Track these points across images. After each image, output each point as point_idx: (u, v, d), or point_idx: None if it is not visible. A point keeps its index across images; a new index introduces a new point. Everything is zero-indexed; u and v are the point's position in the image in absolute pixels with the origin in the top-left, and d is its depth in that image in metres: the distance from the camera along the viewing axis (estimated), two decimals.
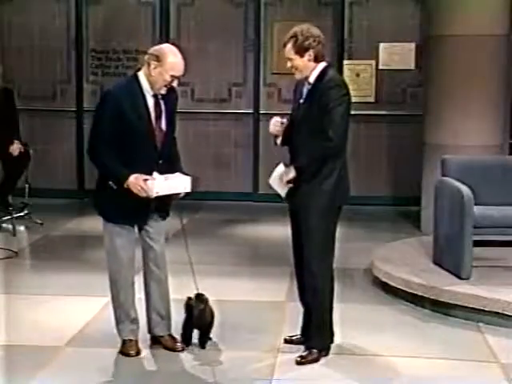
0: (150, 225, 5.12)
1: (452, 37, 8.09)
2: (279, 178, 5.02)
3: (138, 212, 5.02)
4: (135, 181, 4.83)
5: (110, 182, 4.94)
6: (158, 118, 4.97)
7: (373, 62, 10.11)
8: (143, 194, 4.84)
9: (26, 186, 8.87)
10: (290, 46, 4.97)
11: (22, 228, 8.70)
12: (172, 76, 4.88)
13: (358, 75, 10.02)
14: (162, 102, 4.99)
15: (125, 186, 4.85)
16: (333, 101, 4.85)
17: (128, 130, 4.86)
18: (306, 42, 4.93)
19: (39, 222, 8.81)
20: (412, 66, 10.05)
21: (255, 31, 10.30)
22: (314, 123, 4.89)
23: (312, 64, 4.97)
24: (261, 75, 10.34)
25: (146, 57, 4.95)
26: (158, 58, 4.87)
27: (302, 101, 5.02)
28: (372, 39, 10.07)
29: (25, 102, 10.18)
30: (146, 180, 4.83)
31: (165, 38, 10.24)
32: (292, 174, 4.92)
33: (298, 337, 5.32)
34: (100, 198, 5.11)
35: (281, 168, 5.03)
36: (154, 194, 4.86)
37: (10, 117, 8.92)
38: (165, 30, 10.30)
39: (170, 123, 5.06)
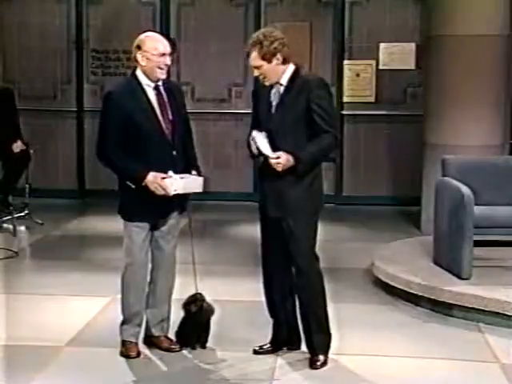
0: (165, 224, 5.10)
1: (452, 37, 8.09)
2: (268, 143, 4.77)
3: (159, 209, 4.99)
4: (153, 179, 4.83)
5: (128, 182, 4.93)
6: (163, 109, 4.97)
7: (373, 62, 10.10)
8: (161, 193, 4.83)
9: (27, 186, 8.87)
10: (255, 54, 4.77)
11: (22, 228, 8.69)
12: (160, 54, 4.90)
13: (358, 75, 10.02)
14: (164, 94, 4.99)
15: (142, 184, 4.84)
16: (325, 98, 4.79)
17: (135, 125, 4.87)
18: (272, 46, 4.76)
19: (39, 222, 8.81)
20: (412, 66, 10.04)
21: (255, 31, 10.25)
22: (301, 122, 4.79)
23: (281, 67, 4.80)
24: None
25: (132, 56, 4.99)
26: (139, 48, 4.92)
27: (275, 103, 4.84)
28: (372, 39, 10.06)
29: (25, 102, 10.17)
30: (163, 178, 4.83)
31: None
32: (291, 161, 4.72)
33: (268, 346, 5.22)
34: (121, 199, 5.09)
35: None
36: (172, 192, 4.85)
37: (10, 117, 8.93)
38: (165, 30, 10.27)
39: (178, 113, 5.05)
